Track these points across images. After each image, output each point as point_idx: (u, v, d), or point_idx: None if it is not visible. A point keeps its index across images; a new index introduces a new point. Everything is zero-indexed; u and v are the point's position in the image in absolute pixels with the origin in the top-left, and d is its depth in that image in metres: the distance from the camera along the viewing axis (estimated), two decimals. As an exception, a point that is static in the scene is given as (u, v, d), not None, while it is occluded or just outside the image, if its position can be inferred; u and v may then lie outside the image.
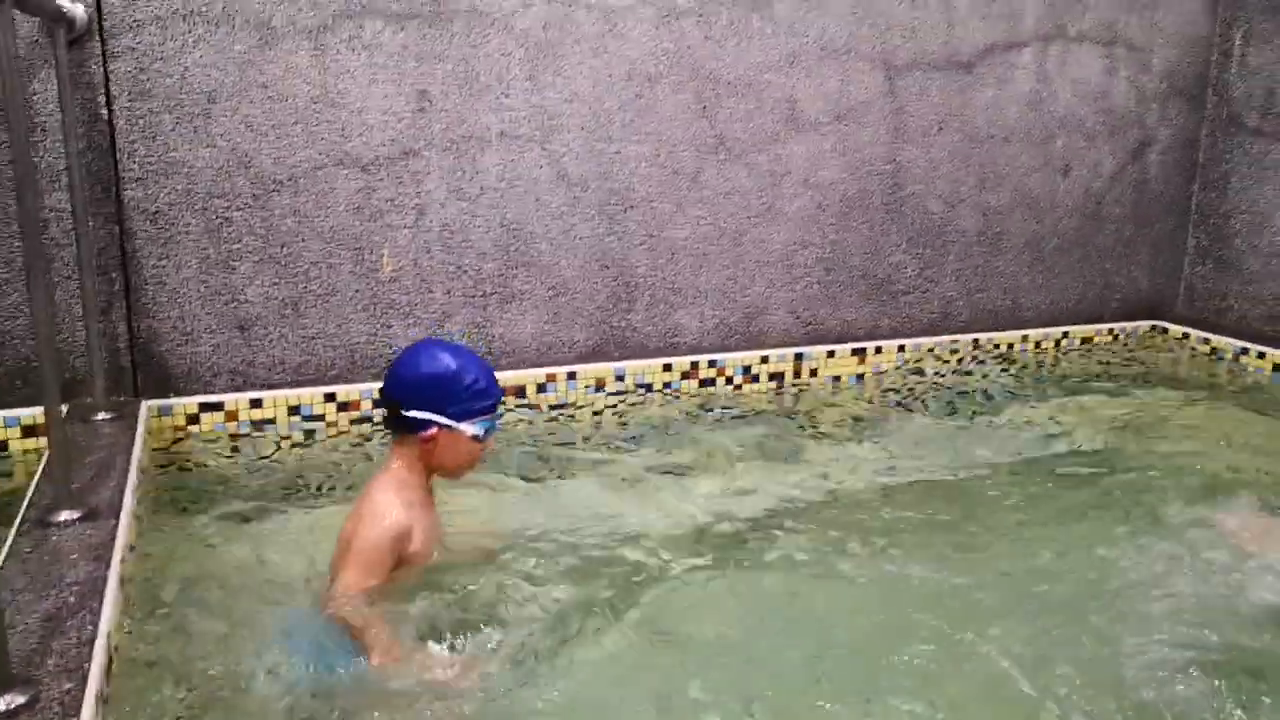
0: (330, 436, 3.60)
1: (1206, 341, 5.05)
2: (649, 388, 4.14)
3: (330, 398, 3.62)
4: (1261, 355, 4.80)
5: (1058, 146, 4.75)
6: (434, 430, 2.38)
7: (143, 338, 3.40)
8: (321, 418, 3.62)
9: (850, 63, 4.22)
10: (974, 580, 2.69)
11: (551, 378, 3.99)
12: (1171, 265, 5.24)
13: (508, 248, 3.81)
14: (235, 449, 3.47)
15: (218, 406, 3.51)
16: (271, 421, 3.56)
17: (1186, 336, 5.15)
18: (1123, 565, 2.80)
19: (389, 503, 2.35)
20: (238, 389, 3.54)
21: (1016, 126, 4.63)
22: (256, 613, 2.41)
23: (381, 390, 2.46)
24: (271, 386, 3.57)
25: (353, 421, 3.64)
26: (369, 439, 3.60)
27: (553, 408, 3.97)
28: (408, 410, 2.38)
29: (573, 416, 3.97)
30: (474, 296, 3.81)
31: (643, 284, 4.07)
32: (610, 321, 4.05)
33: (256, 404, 3.55)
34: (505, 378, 3.86)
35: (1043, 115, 4.68)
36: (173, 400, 3.46)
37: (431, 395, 2.37)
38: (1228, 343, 4.95)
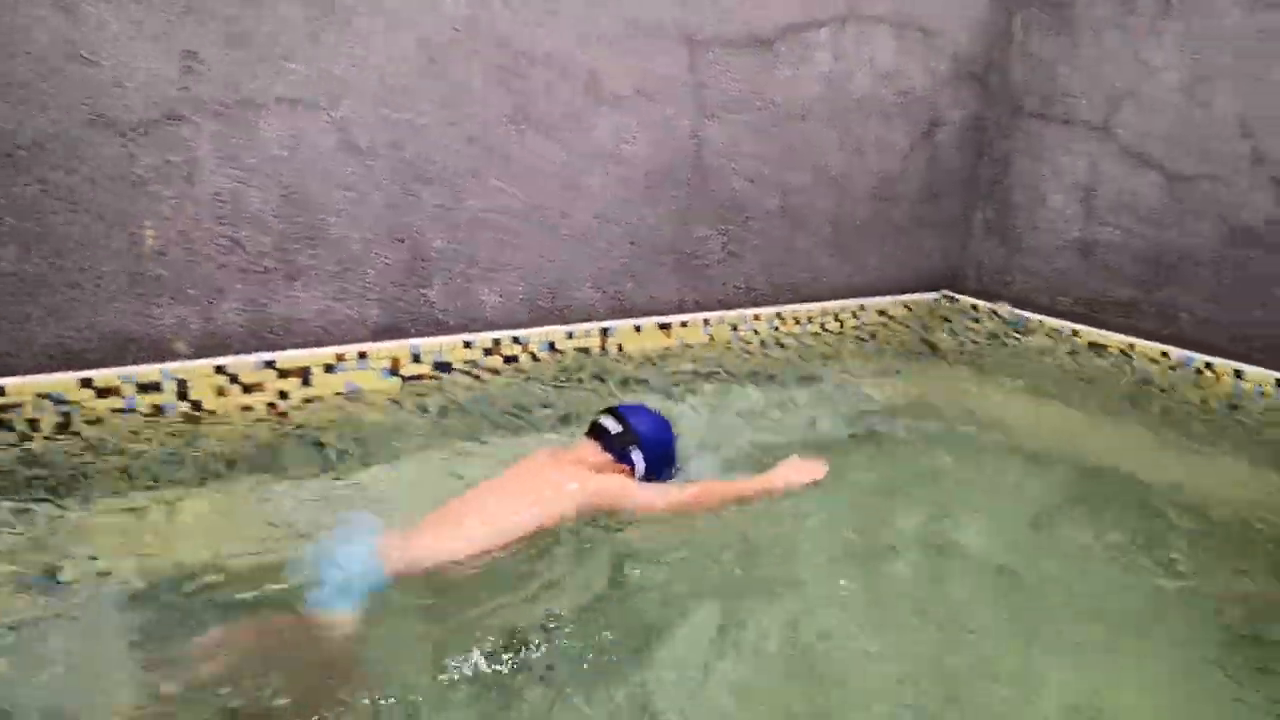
0: (88, 424, 3.29)
1: (994, 313, 5.32)
2: (447, 366, 4.00)
3: (87, 383, 3.31)
4: (1040, 323, 5.10)
5: (855, 126, 4.87)
6: (628, 470, 2.98)
7: None
8: (77, 404, 3.30)
9: (653, 38, 4.16)
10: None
11: (340, 357, 3.79)
12: (961, 242, 5.49)
13: (290, 219, 3.57)
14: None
15: (-46, 395, 3.15)
16: (17, 406, 3.21)
17: (975, 308, 5.42)
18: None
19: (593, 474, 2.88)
20: (-21, 375, 3.18)
21: (815, 105, 4.71)
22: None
23: (621, 415, 3.06)
24: (16, 372, 3.22)
25: (114, 411, 3.34)
26: (139, 432, 3.32)
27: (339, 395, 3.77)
28: (633, 448, 3.00)
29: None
30: (252, 271, 3.55)
31: (439, 258, 3.91)
32: (405, 298, 3.88)
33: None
34: (288, 358, 3.65)
35: (840, 95, 4.77)
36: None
37: (657, 454, 3.04)
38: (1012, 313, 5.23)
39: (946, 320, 5.41)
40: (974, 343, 5.18)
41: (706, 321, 4.69)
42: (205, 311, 3.48)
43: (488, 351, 4.11)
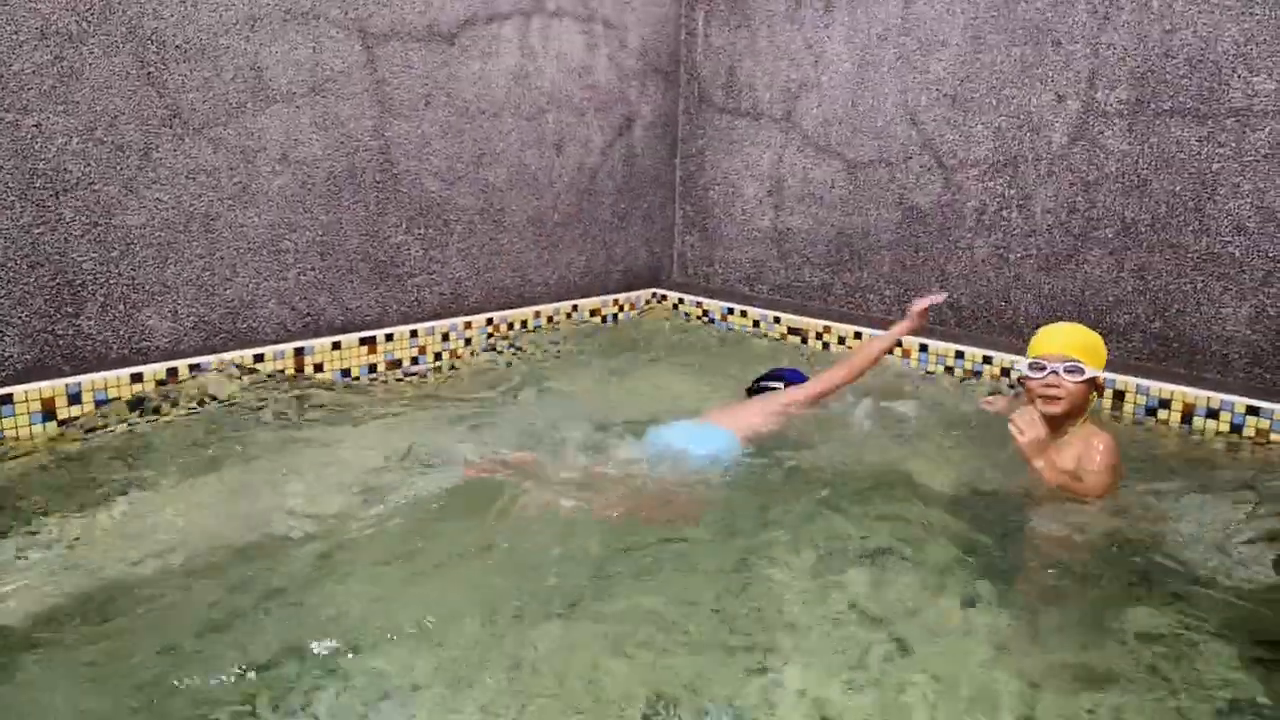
0: None
1: (699, 305, 5.43)
2: (108, 403, 3.52)
3: None
4: (744, 313, 5.25)
5: (549, 122, 4.80)
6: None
7: None
8: None
9: (320, 28, 3.88)
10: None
11: (-23, 402, 3.24)
12: (664, 236, 5.56)
13: (-111, 246, 3.01)
14: None
15: None
16: None
17: (682, 301, 5.51)
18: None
19: None
20: None
21: (506, 101, 4.59)
22: None
23: (765, 379, 3.77)
24: None
25: None
26: None
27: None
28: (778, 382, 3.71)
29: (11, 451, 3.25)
30: None
31: (91, 282, 3.44)
32: (52, 330, 3.38)
33: None
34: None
35: (531, 90, 4.69)
36: None
37: (794, 380, 3.73)
38: (717, 304, 5.36)
39: (661, 316, 5.47)
40: (683, 335, 5.27)
41: (414, 333, 4.45)
42: None
43: (161, 383, 3.67)
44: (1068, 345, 3.10)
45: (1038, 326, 4.29)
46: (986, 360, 4.42)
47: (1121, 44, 3.99)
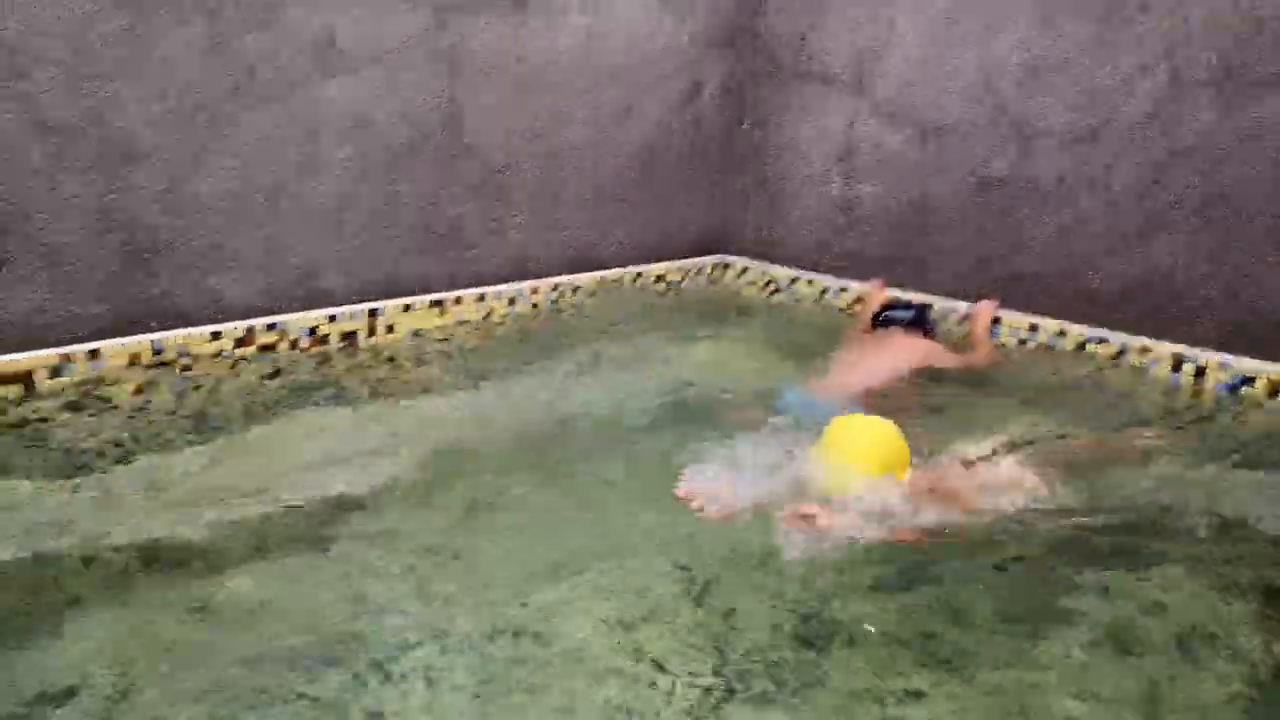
0: None
1: (765, 272, 5.38)
2: (194, 359, 3.69)
3: None
4: (810, 282, 5.19)
5: (616, 89, 4.77)
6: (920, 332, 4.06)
7: None
8: None
9: (391, -2, 3.92)
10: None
11: (67, 358, 3.42)
12: (731, 203, 5.51)
13: (-23, 209, 3.17)
14: None
15: None
16: None
17: (747, 269, 5.46)
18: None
19: None
20: None
21: (573, 68, 4.58)
22: None
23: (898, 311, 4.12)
24: None
25: None
26: None
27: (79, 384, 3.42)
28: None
29: (109, 400, 3.42)
30: (-60, 271, 3.14)
31: (166, 247, 3.57)
32: (129, 291, 3.53)
33: None
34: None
35: (598, 57, 4.66)
36: None
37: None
38: (782, 272, 5.30)
39: (727, 283, 5.44)
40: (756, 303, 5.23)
41: (481, 297, 4.52)
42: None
43: (239, 343, 3.82)
44: (859, 458, 2.81)
45: (1111, 303, 4.17)
46: (1060, 335, 4.30)
47: (1208, 11, 3.78)
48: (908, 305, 4.22)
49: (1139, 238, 4.08)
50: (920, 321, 4.11)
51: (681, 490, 2.80)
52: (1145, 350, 4.10)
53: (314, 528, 2.66)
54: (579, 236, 4.85)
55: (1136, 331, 4.13)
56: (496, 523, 2.75)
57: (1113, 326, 4.19)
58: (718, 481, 2.84)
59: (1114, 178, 4.10)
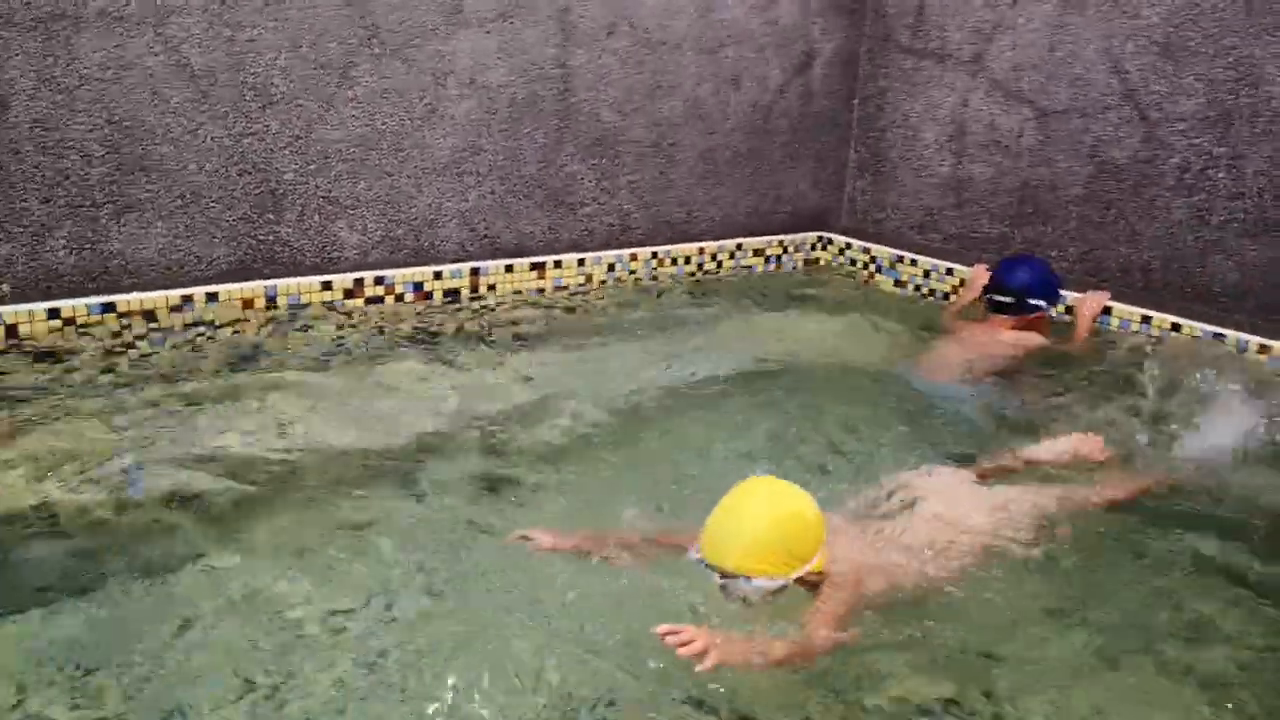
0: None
1: (866, 250, 5.31)
2: (304, 308, 3.76)
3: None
4: (914, 262, 5.11)
5: (728, 56, 4.74)
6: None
7: None
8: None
9: (514, -45, 3.94)
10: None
11: (188, 299, 3.52)
12: (835, 178, 5.45)
13: (119, 149, 3.26)
14: None
15: None
16: None
17: (849, 246, 5.40)
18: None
19: None
20: None
21: (688, 33, 4.56)
22: None
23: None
24: None
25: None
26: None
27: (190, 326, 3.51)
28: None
29: (211, 339, 3.52)
30: (81, 206, 3.25)
31: (291, 192, 3.65)
32: (255, 235, 3.62)
33: None
34: (129, 300, 3.37)
35: (713, 23, 4.64)
36: None
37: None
38: (885, 251, 5.23)
39: (820, 260, 5.40)
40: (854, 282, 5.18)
41: (581, 262, 4.54)
42: (30, 248, 3.16)
43: (348, 294, 3.89)
44: (744, 558, 2.16)
45: (1234, 296, 4.04)
46: (1175, 328, 4.18)
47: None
48: (1017, 288, 4.10)
49: (1265, 231, 3.95)
50: (1024, 306, 4.05)
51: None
52: (1264, 349, 3.97)
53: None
54: (681, 204, 4.84)
55: (1251, 331, 4.00)
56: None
57: (1225, 324, 4.05)
58: None
59: (1246, 164, 3.98)
